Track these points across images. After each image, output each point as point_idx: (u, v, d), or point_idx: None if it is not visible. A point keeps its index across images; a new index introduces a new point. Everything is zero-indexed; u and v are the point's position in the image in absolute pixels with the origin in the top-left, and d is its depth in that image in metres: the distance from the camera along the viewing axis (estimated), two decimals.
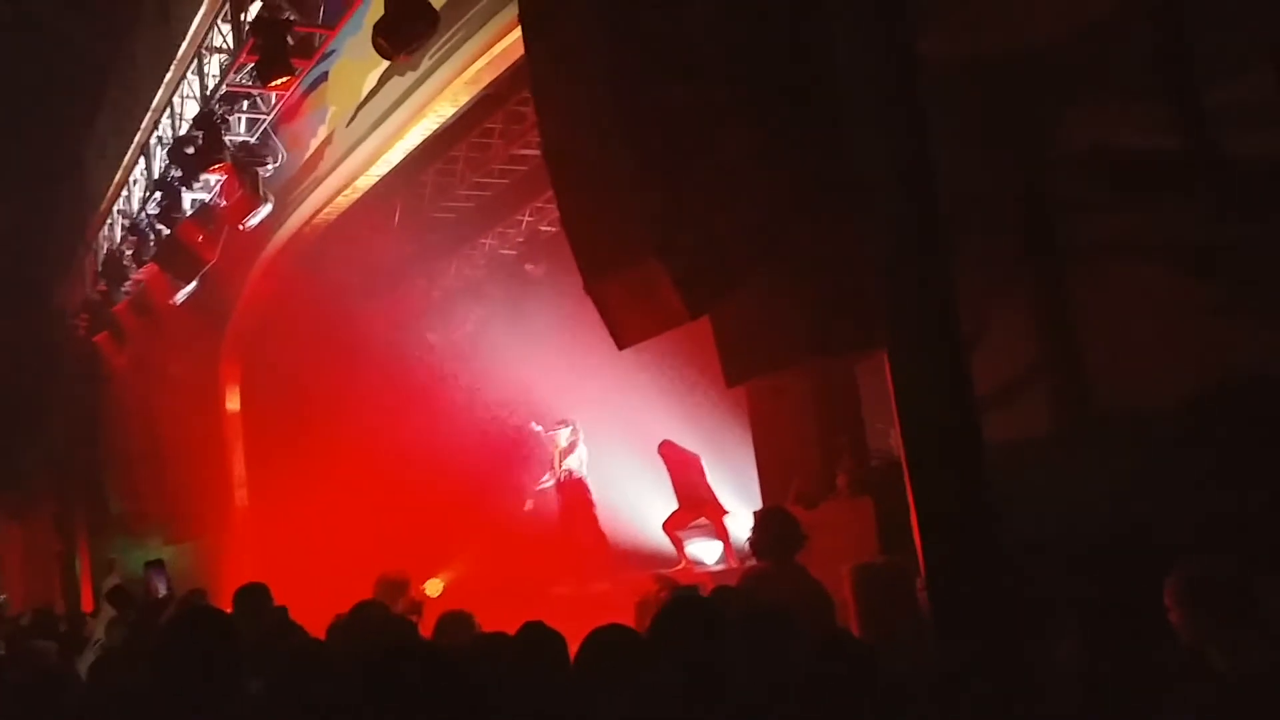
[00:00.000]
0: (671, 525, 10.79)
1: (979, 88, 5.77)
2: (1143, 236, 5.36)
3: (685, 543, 10.86)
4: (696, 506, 10.82)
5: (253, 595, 6.02)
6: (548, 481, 12.24)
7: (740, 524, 9.82)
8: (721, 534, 10.68)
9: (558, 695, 3.33)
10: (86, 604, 18.26)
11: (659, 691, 2.72)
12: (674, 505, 10.93)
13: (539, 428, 12.42)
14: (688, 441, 11.29)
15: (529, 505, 12.69)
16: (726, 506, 10.78)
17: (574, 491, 11.87)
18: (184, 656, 3.22)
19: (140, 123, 14.73)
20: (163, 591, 9.20)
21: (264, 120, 11.76)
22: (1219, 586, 3.53)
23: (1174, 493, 4.95)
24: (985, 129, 5.78)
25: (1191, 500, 4.85)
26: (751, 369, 6.49)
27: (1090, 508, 5.18)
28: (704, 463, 10.95)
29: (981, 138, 5.76)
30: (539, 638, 3.60)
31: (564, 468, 11.95)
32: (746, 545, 6.41)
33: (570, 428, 12.02)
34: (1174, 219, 5.22)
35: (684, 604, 3.35)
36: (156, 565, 9.63)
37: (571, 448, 11.98)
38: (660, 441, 11.10)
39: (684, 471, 10.93)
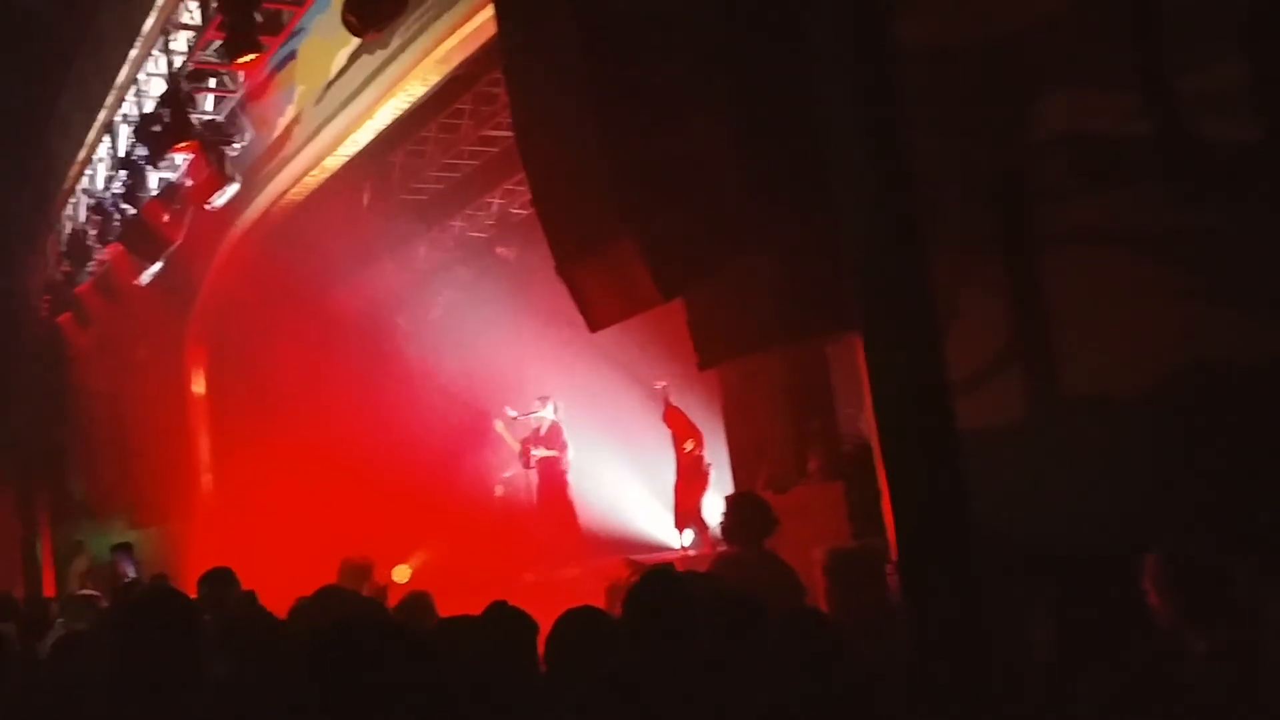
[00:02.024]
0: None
1: (953, 74, 5.76)
2: (1115, 223, 5.37)
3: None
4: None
5: (218, 579, 5.97)
6: (514, 469, 12.19)
7: (712, 509, 9.88)
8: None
9: (526, 674, 3.31)
10: (48, 588, 18.06)
11: (630, 671, 2.70)
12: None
13: (513, 413, 12.36)
14: (659, 425, 11.33)
15: (499, 491, 12.63)
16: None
17: (550, 473, 11.84)
18: (145, 640, 3.17)
19: (105, 100, 14.52)
20: (131, 575, 9.13)
21: (231, 98, 11.62)
22: (1197, 569, 3.55)
23: (1144, 478, 4.97)
24: (958, 115, 5.77)
25: (1161, 485, 4.88)
26: (724, 352, 6.48)
27: (1061, 492, 5.20)
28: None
29: (955, 124, 5.75)
30: (505, 617, 3.57)
31: (539, 451, 11.90)
32: (718, 530, 6.40)
33: (550, 405, 11.99)
34: (1146, 206, 5.23)
35: (658, 581, 3.32)
36: (124, 548, 9.56)
37: (552, 429, 11.94)
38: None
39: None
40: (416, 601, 5.32)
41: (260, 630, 4.36)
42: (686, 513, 11.01)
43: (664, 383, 11.12)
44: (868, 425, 6.06)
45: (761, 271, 5.86)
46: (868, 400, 5.24)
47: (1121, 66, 5.38)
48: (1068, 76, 5.53)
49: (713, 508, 10.81)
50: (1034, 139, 5.65)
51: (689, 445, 11.03)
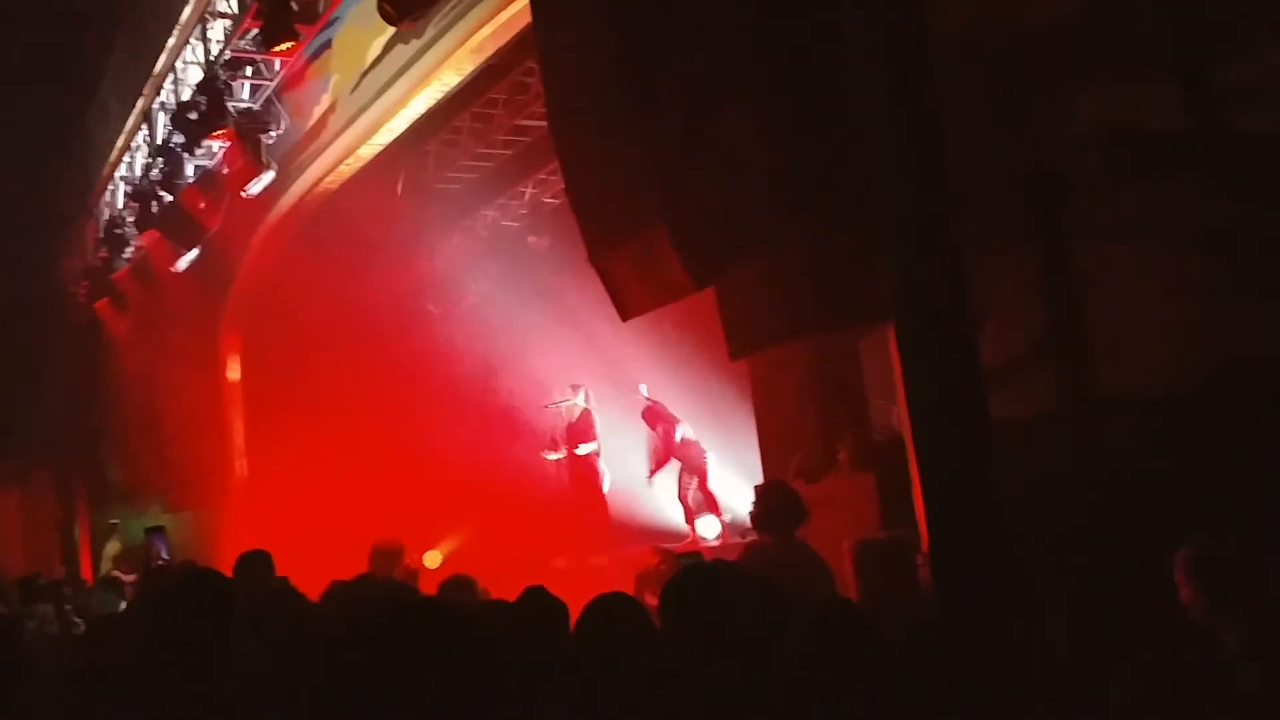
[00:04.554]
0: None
1: (989, 64, 5.73)
2: (1151, 216, 5.34)
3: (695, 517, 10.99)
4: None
5: (254, 563, 5.98)
6: (559, 453, 12.21)
7: (742, 497, 9.88)
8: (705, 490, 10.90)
9: (561, 657, 3.33)
10: (85, 571, 18.29)
11: (666, 656, 2.71)
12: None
13: (550, 404, 12.40)
14: (689, 414, 11.36)
15: (552, 456, 12.57)
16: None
17: (581, 461, 11.87)
18: (181, 619, 3.20)
19: (143, 88, 14.65)
20: (164, 557, 9.24)
21: (267, 87, 11.69)
22: (1229, 564, 3.52)
23: (1178, 473, 4.94)
24: (994, 105, 5.73)
25: (1194, 479, 4.85)
26: (755, 342, 6.46)
27: (1094, 486, 5.17)
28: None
29: (990, 114, 5.72)
30: (541, 602, 3.60)
31: (575, 441, 11.94)
32: (747, 519, 6.40)
33: (582, 393, 12.03)
34: (1183, 199, 5.20)
35: (698, 570, 3.34)
36: (158, 531, 9.70)
37: (584, 417, 11.98)
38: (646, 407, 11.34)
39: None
40: (459, 583, 5.35)
41: (293, 614, 4.41)
42: (707, 500, 11.06)
43: (644, 387, 11.34)
44: (899, 416, 6.05)
45: (794, 261, 5.84)
46: (900, 391, 5.22)
47: (1160, 57, 5.33)
48: (1106, 68, 5.49)
49: (725, 490, 10.93)
50: (1070, 131, 5.61)
51: (681, 433, 11.21)
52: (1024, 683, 4.43)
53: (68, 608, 8.37)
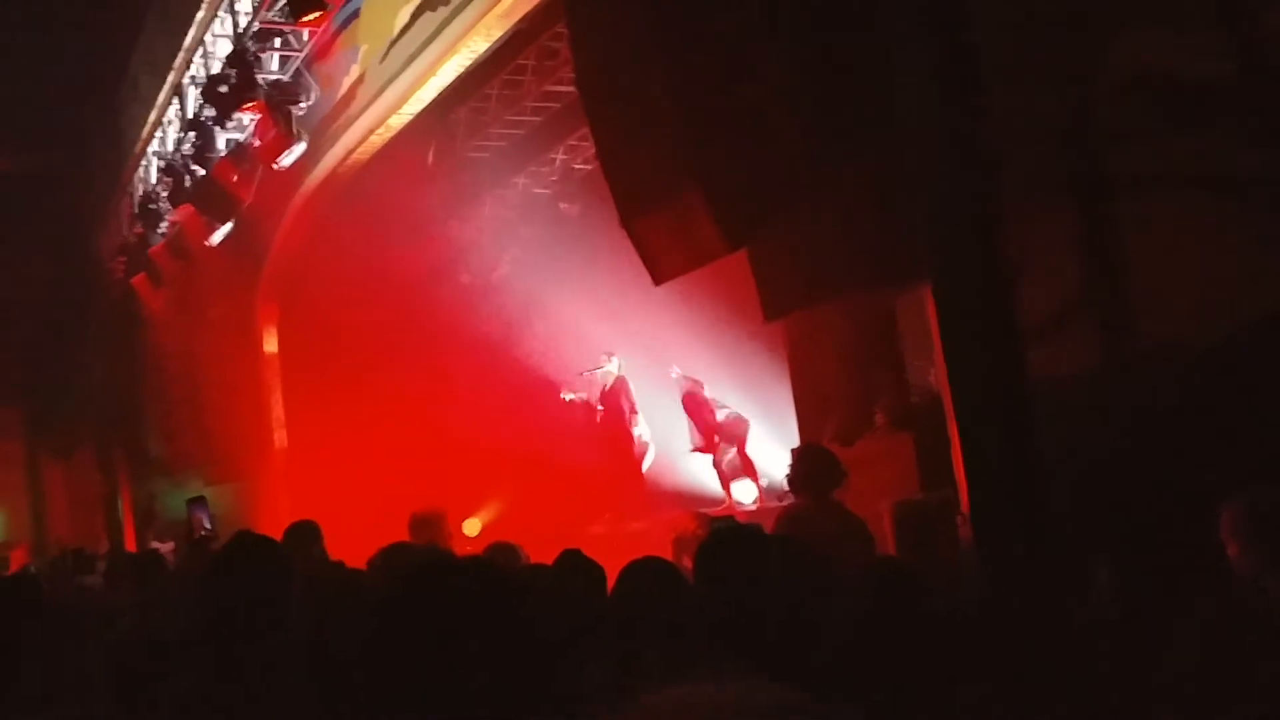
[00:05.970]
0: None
1: (1025, 14, 5.63)
2: (1193, 166, 5.24)
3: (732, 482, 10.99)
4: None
5: (303, 532, 5.97)
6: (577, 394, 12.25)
7: (778, 462, 9.86)
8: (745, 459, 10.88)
9: (597, 618, 3.34)
10: (129, 544, 18.56)
11: (700, 615, 2.71)
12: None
13: (584, 371, 12.41)
14: (723, 379, 11.33)
15: (568, 396, 12.59)
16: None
17: (616, 427, 11.88)
18: (241, 584, 3.22)
19: (173, 62, 14.70)
20: (207, 526, 9.34)
21: (297, 58, 11.70)
22: (1277, 518, 3.47)
23: (1220, 425, 4.88)
24: (1032, 57, 5.64)
25: (1238, 433, 4.78)
26: (790, 303, 6.43)
27: (1135, 441, 5.11)
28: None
29: (1027, 65, 5.62)
30: (577, 565, 3.60)
31: (609, 408, 11.95)
32: (784, 482, 6.38)
33: (615, 360, 12.03)
34: (1225, 148, 5.09)
35: (731, 531, 3.33)
36: (199, 502, 9.79)
37: (618, 383, 11.98)
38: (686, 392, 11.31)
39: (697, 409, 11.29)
40: (503, 549, 5.36)
41: (339, 581, 4.44)
42: (744, 465, 11.05)
43: (676, 369, 11.29)
44: (937, 376, 6.01)
45: (829, 221, 5.80)
46: (937, 350, 5.19)
47: (1204, 4, 5.22)
48: (1147, 15, 5.38)
49: (762, 454, 10.91)
50: (1110, 81, 5.50)
51: (723, 415, 11.21)
52: (1069, 643, 4.41)
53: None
